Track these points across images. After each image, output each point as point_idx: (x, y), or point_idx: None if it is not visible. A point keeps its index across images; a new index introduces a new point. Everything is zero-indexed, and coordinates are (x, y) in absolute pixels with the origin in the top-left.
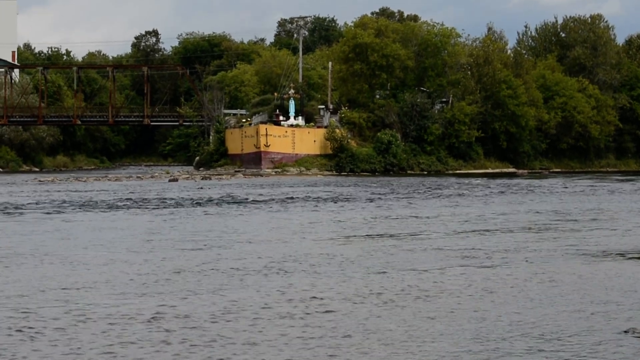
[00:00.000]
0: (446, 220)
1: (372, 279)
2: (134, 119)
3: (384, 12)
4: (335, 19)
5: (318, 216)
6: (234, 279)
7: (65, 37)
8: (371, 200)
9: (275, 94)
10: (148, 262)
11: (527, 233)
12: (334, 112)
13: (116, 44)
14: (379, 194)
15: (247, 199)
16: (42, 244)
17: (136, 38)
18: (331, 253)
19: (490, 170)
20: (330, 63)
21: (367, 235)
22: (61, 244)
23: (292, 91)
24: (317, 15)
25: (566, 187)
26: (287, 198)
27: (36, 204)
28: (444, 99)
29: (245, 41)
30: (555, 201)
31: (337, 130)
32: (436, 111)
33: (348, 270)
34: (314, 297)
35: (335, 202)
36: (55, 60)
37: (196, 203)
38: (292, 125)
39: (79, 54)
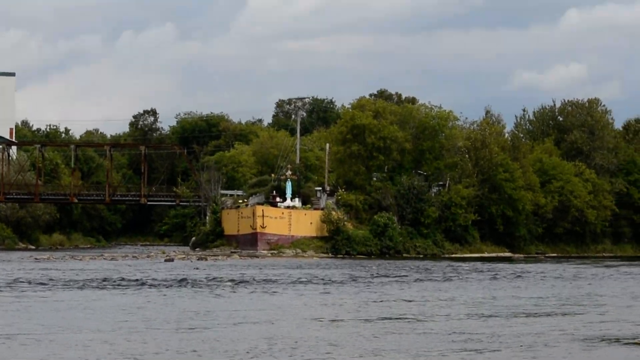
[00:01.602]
0: (435, 305)
1: None
2: (130, 198)
3: (382, 94)
4: (333, 100)
5: (310, 298)
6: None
7: (64, 115)
8: (362, 283)
9: (273, 175)
10: (131, 342)
11: (517, 318)
12: (330, 194)
13: (114, 122)
14: (370, 276)
15: (241, 280)
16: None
17: (134, 117)
18: (319, 336)
19: (486, 254)
20: (327, 144)
21: (356, 318)
22: (52, 323)
23: (289, 172)
24: (315, 97)
25: (559, 274)
26: (280, 279)
27: (28, 283)
28: (441, 182)
29: (243, 121)
30: (546, 287)
31: (334, 213)
32: (433, 194)
33: (336, 354)
34: None
35: (327, 285)
36: (53, 138)
37: (191, 283)
38: (288, 207)
39: (77, 131)
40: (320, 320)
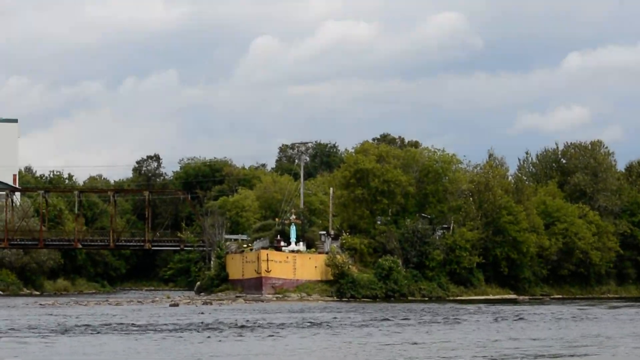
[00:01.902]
0: (440, 348)
1: None
2: (135, 244)
3: (385, 138)
4: (336, 144)
5: (315, 342)
6: None
7: (68, 161)
8: (366, 326)
9: (277, 219)
10: None
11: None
12: (335, 238)
13: (118, 168)
14: (375, 320)
15: (246, 324)
16: None
17: (137, 162)
18: None
19: (491, 297)
20: (331, 189)
21: None
22: None
23: (293, 217)
24: (318, 141)
25: (565, 316)
26: (286, 323)
27: (33, 328)
28: (445, 225)
29: (247, 166)
30: (553, 328)
31: (338, 256)
32: (437, 237)
33: None
34: None
35: (331, 328)
36: (56, 184)
37: (196, 328)
38: (293, 251)
39: (80, 177)
40: None
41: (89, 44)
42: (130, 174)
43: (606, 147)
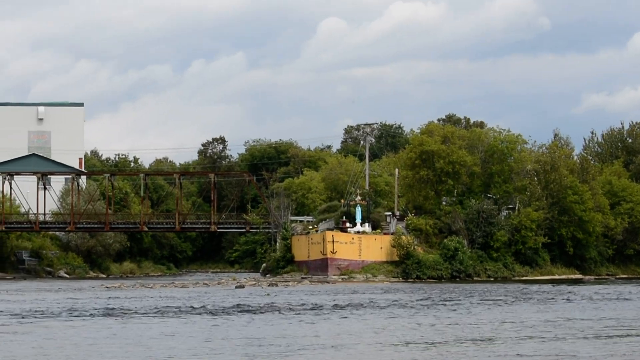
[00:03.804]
0: (517, 327)
1: None
2: (200, 226)
3: (450, 119)
4: (401, 125)
5: (387, 322)
6: None
7: (134, 144)
8: (434, 307)
9: (342, 200)
10: None
11: (598, 340)
12: (400, 219)
13: (184, 150)
14: (446, 300)
15: (315, 305)
16: (112, 350)
17: (203, 145)
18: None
19: (556, 277)
20: (396, 170)
21: (433, 342)
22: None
23: (358, 198)
24: (383, 122)
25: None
26: (353, 304)
27: (105, 309)
28: (511, 205)
29: (312, 148)
30: (624, 307)
31: (404, 237)
32: (502, 217)
33: None
34: None
35: (404, 309)
36: (122, 167)
37: (263, 309)
38: (358, 232)
39: (146, 160)
40: (401, 345)
41: (156, 27)
42: (196, 157)
43: None
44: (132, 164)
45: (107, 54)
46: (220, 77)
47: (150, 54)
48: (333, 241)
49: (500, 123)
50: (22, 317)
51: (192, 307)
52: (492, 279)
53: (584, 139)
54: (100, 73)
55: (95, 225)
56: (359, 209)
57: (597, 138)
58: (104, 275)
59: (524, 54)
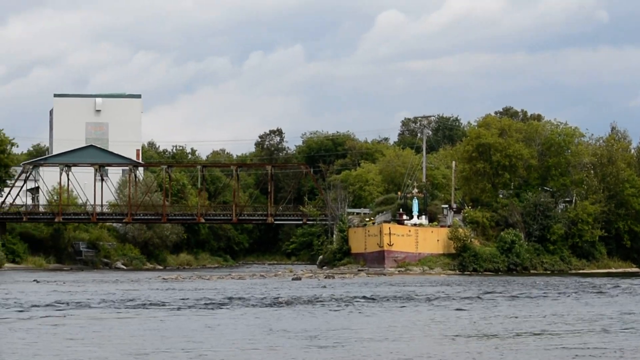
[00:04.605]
0: (576, 320)
1: None
2: (257, 218)
3: (507, 112)
4: (458, 118)
5: (443, 314)
6: None
7: (192, 136)
8: (499, 300)
9: (399, 193)
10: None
11: None
12: (457, 212)
13: (241, 142)
14: (499, 293)
15: (371, 297)
16: (172, 342)
17: (260, 137)
18: (455, 353)
19: (613, 270)
20: (453, 162)
21: (489, 334)
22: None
23: (415, 190)
24: (440, 115)
25: None
26: (410, 296)
27: (162, 302)
28: (567, 198)
29: (369, 140)
30: None
31: (461, 230)
32: (559, 210)
33: None
34: None
35: (460, 301)
36: (179, 159)
37: (320, 301)
38: (415, 225)
39: (203, 152)
40: (455, 337)
41: (215, 19)
42: (253, 149)
43: None
44: (190, 156)
45: (166, 46)
46: (278, 69)
47: (208, 46)
48: (390, 233)
49: (557, 116)
50: (119, 307)
51: (250, 298)
52: (548, 272)
53: None
54: (158, 65)
55: (153, 217)
56: (416, 201)
57: None
58: (161, 267)
59: (581, 47)
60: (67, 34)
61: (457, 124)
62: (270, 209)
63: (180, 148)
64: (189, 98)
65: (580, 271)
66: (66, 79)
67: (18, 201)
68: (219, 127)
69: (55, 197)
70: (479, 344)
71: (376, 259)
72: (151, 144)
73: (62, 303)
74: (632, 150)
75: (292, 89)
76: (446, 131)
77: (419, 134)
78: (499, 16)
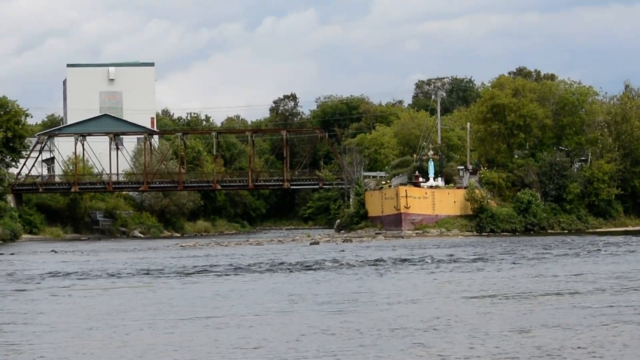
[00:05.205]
0: (594, 279)
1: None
2: (273, 183)
3: (521, 72)
4: (472, 79)
5: (465, 275)
6: (386, 340)
7: (206, 103)
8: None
9: (414, 155)
10: (288, 324)
11: None
12: (473, 173)
13: (255, 108)
14: (520, 254)
15: (391, 259)
16: (195, 307)
17: (274, 102)
18: (479, 313)
19: (630, 228)
20: (468, 124)
21: (509, 294)
22: (227, 306)
23: (431, 152)
24: (454, 76)
25: None
26: (429, 259)
27: (176, 268)
28: (583, 157)
29: (383, 103)
30: None
31: (477, 191)
32: (575, 170)
33: (505, 329)
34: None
35: (485, 262)
36: (194, 126)
37: (339, 265)
38: (431, 187)
39: (218, 119)
40: (478, 297)
41: None
42: (267, 114)
43: None
44: (204, 123)
45: (178, 13)
46: (291, 34)
47: (221, 12)
48: (406, 196)
49: (570, 75)
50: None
51: (270, 263)
52: (565, 232)
53: None
54: (171, 33)
55: (169, 185)
56: (432, 163)
57: None
58: (178, 234)
59: (594, 5)
60: (78, 3)
61: (470, 85)
62: (286, 174)
63: (195, 115)
64: (203, 65)
65: (597, 230)
66: (79, 49)
67: (34, 172)
68: (233, 93)
69: (70, 167)
70: (502, 303)
71: (393, 222)
72: (165, 112)
73: (91, 272)
74: None
75: (306, 53)
76: (460, 92)
77: (433, 96)
78: None
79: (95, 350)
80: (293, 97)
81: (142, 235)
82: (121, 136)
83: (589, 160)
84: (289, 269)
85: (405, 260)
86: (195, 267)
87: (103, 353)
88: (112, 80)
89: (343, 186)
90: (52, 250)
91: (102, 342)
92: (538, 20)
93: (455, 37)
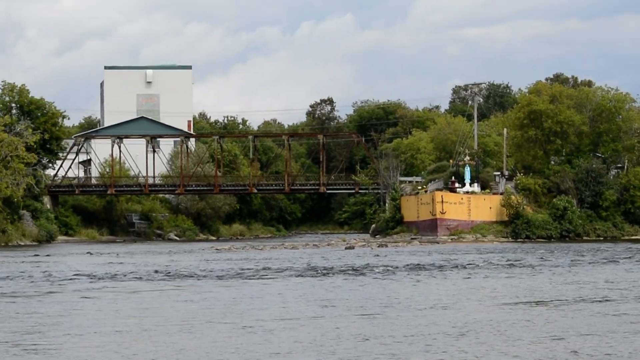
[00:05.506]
0: (629, 286)
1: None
2: (310, 187)
3: (558, 78)
4: (509, 85)
5: (499, 282)
6: (418, 345)
7: (244, 106)
8: (547, 265)
9: (451, 160)
10: (315, 329)
11: None
12: (509, 179)
13: (292, 112)
14: (554, 261)
15: (429, 265)
16: (225, 311)
17: (311, 106)
18: (510, 319)
19: None
20: (505, 129)
21: (548, 300)
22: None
23: (467, 158)
24: (491, 82)
25: None
26: (465, 264)
27: (210, 272)
28: (619, 165)
29: (420, 108)
30: None
31: (513, 197)
32: (611, 177)
33: (538, 334)
34: None
35: (520, 268)
36: (231, 129)
37: (374, 270)
38: (467, 192)
39: (255, 122)
40: (511, 304)
41: None
42: (304, 118)
43: None
44: (241, 126)
45: (218, 16)
46: (330, 39)
47: (260, 15)
48: (442, 201)
49: (608, 82)
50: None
51: (304, 267)
52: (601, 239)
53: None
54: (210, 36)
55: (205, 188)
56: (468, 169)
57: None
58: (214, 238)
59: (634, 13)
60: (119, 5)
61: (507, 90)
62: (323, 178)
63: (232, 118)
64: (241, 68)
65: (633, 237)
66: (118, 51)
67: (70, 174)
68: (270, 97)
69: (107, 169)
70: (537, 310)
71: (429, 227)
72: (202, 115)
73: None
74: None
75: (343, 58)
76: (497, 98)
77: (470, 102)
78: None
79: (124, 351)
80: (330, 101)
81: (177, 238)
82: (158, 139)
83: (626, 167)
84: (325, 272)
85: (441, 266)
86: (231, 270)
87: (133, 356)
88: (149, 82)
89: (379, 191)
90: (87, 252)
91: (132, 344)
92: (578, 26)
93: (494, 43)
